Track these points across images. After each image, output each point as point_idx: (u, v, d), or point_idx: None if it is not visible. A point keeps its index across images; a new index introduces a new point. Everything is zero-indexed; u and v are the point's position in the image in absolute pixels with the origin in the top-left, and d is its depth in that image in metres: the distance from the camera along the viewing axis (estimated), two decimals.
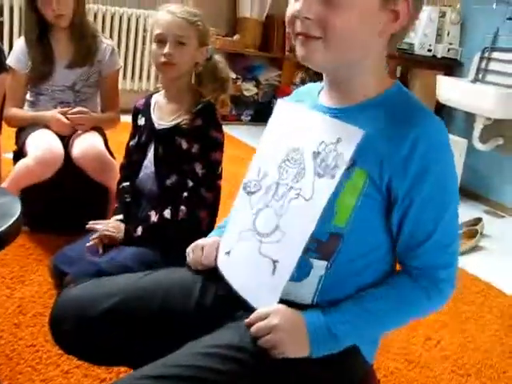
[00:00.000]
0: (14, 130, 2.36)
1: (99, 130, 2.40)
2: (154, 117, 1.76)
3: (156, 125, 1.74)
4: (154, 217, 1.67)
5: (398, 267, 1.01)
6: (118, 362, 1.18)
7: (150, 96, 1.83)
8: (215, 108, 1.70)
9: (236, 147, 3.91)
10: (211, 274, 1.10)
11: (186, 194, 1.65)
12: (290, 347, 0.91)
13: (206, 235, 1.71)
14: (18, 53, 2.32)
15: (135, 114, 1.84)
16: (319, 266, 0.94)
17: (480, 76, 3.60)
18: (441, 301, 0.98)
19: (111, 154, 2.32)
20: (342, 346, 0.93)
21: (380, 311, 0.94)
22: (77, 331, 1.06)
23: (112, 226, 1.69)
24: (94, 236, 1.66)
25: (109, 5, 4.38)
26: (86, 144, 2.22)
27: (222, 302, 1.06)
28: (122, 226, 1.69)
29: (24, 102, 2.40)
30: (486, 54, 3.57)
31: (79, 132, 2.29)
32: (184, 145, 1.67)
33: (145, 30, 4.55)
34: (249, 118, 5.03)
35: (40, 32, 2.26)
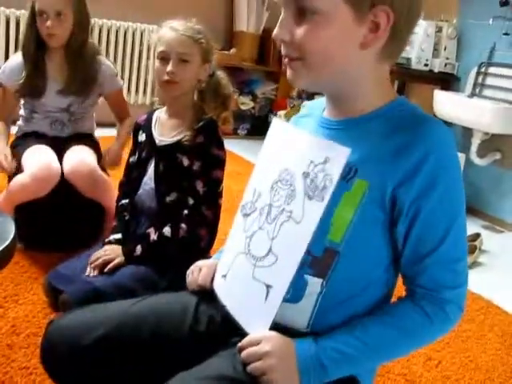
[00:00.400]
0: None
1: (95, 145, 2.37)
2: (156, 133, 1.74)
3: (157, 141, 1.72)
4: (153, 235, 1.65)
5: (400, 290, 0.98)
6: None
7: (152, 112, 1.82)
8: (217, 125, 1.69)
9: (232, 161, 3.88)
10: (209, 296, 1.08)
11: (186, 211, 1.63)
12: (279, 375, 0.88)
13: (205, 253, 1.70)
14: (9, 68, 2.27)
15: (136, 129, 1.83)
16: (314, 284, 0.91)
17: (477, 91, 3.61)
18: (446, 326, 0.94)
19: (105, 171, 2.28)
20: (333, 377, 0.90)
21: (378, 343, 0.90)
22: (69, 360, 1.03)
23: (109, 251, 1.67)
24: (94, 263, 1.65)
25: (104, 18, 4.37)
26: (77, 159, 2.17)
27: (217, 327, 1.04)
28: (119, 249, 1.66)
29: (11, 117, 2.36)
30: (483, 69, 3.58)
31: (71, 147, 2.25)
32: (185, 162, 1.65)
33: (141, 44, 4.54)
34: (245, 131, 5.02)
35: (37, 47, 2.22)
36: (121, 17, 4.36)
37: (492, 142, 3.48)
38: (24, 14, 4.03)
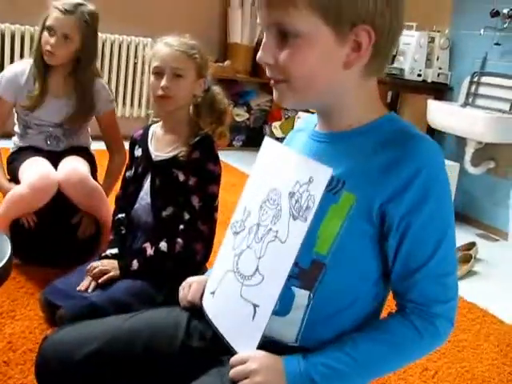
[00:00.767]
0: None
1: (90, 158, 2.38)
2: (152, 148, 1.75)
3: (153, 156, 1.73)
4: (149, 249, 1.66)
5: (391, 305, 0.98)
6: None
7: (148, 127, 1.83)
8: (213, 141, 1.70)
9: (227, 173, 3.88)
10: (200, 312, 1.08)
11: (182, 226, 1.64)
12: None
13: (200, 266, 1.71)
14: (6, 79, 2.26)
15: (132, 144, 1.84)
16: (301, 296, 0.92)
17: (470, 100, 3.64)
18: (436, 340, 0.93)
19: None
20: None
21: (368, 359, 0.90)
22: (62, 375, 1.04)
23: (105, 263, 1.68)
24: (91, 272, 1.66)
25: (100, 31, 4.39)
26: (69, 168, 2.16)
27: (208, 343, 1.04)
28: (115, 263, 1.67)
29: (3, 127, 2.34)
30: (476, 79, 3.61)
31: (65, 158, 2.25)
32: (181, 177, 1.66)
33: (136, 57, 4.56)
34: (240, 143, 5.04)
35: (43, 61, 2.21)
36: (117, 30, 4.39)
37: (486, 151, 3.51)
38: (19, 28, 4.06)
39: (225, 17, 4.95)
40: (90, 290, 1.65)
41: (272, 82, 0.92)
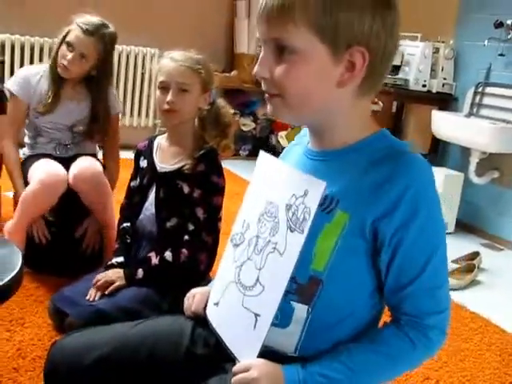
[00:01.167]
0: None
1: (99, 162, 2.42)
2: (156, 159, 1.79)
3: (158, 167, 1.77)
4: (154, 259, 1.69)
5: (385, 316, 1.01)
6: None
7: (153, 138, 1.87)
8: (217, 154, 1.74)
9: (233, 182, 3.92)
10: (204, 320, 1.11)
11: (187, 237, 1.67)
12: None
13: (204, 275, 1.74)
14: (23, 79, 2.31)
15: (137, 155, 1.87)
16: (300, 310, 0.95)
17: (474, 110, 3.66)
18: (429, 351, 0.96)
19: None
20: None
21: (363, 368, 0.93)
22: (69, 380, 1.07)
23: (111, 273, 1.72)
24: (97, 284, 1.69)
25: None
26: (84, 164, 2.22)
27: (212, 350, 1.07)
28: (121, 272, 1.71)
29: (22, 129, 2.39)
30: (480, 89, 3.63)
31: (77, 159, 2.30)
32: (185, 189, 1.69)
33: (144, 68, 4.61)
34: (247, 152, 5.07)
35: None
36: (124, 40, 4.44)
37: (490, 161, 3.53)
38: (28, 40, 4.13)
39: (231, 27, 5.00)
40: (96, 299, 1.68)
41: (267, 95, 0.94)
